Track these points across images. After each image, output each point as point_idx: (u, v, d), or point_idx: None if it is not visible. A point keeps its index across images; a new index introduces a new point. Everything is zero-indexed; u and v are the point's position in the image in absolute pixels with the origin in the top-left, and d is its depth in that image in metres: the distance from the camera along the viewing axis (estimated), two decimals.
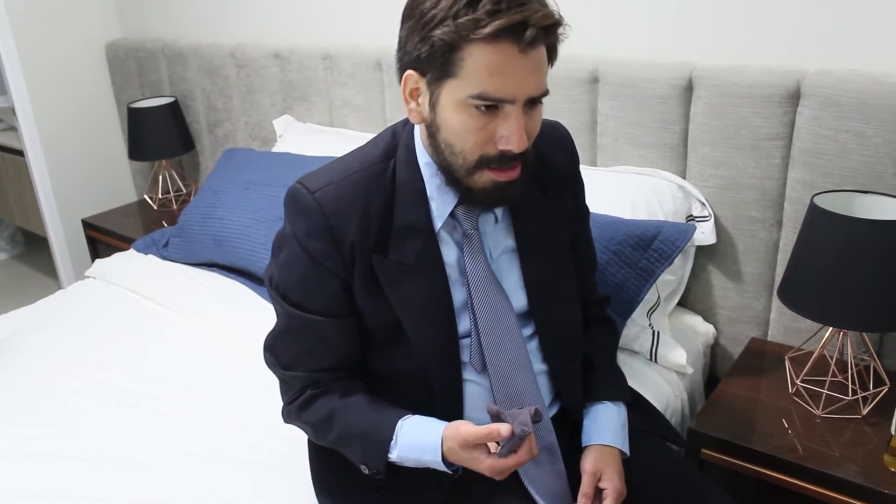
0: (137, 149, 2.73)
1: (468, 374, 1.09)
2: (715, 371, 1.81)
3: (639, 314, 1.59)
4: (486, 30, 0.88)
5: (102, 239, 2.74)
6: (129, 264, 2.15)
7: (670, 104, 1.65)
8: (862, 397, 1.41)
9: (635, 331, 1.59)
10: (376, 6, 2.18)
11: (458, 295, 1.07)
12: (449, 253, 1.07)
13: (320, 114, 2.40)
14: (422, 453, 1.01)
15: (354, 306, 1.07)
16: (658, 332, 1.60)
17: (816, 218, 1.31)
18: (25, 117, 2.79)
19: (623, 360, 1.54)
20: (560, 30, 0.94)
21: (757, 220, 1.62)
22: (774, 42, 1.55)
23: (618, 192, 1.68)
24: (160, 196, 2.84)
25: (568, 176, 1.18)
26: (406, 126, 1.08)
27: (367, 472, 1.06)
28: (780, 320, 1.65)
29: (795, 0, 1.50)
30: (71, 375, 1.62)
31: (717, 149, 1.62)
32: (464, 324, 1.08)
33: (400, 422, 1.04)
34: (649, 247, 1.52)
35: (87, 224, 2.80)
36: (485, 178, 0.98)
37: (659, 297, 1.64)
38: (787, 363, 1.51)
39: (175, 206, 2.79)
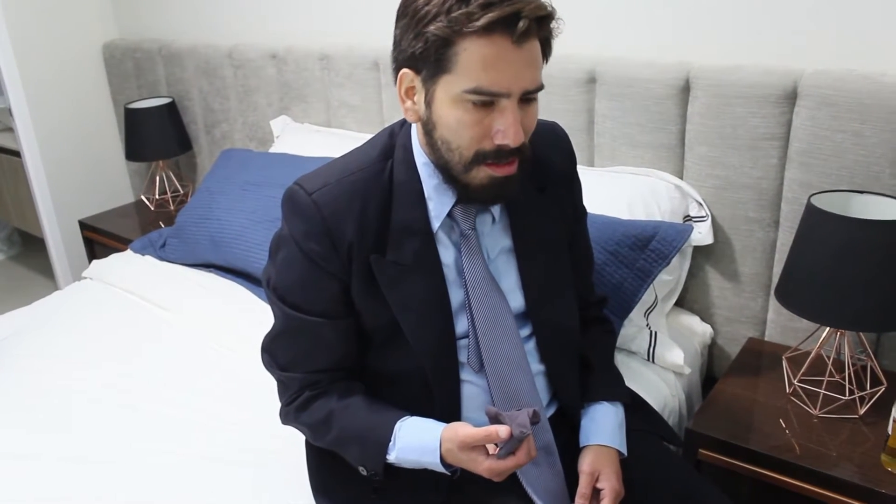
0: (134, 149, 2.72)
1: (466, 375, 1.09)
2: (712, 371, 1.81)
3: (636, 314, 1.59)
4: (480, 22, 0.88)
5: (99, 240, 2.73)
6: (126, 265, 2.15)
7: (667, 104, 1.65)
8: (859, 397, 1.41)
9: (633, 331, 1.60)
10: (373, 6, 2.18)
11: (455, 295, 1.08)
12: (446, 253, 1.07)
13: (317, 114, 2.39)
14: (420, 455, 1.02)
15: (352, 307, 1.07)
16: (655, 333, 1.60)
17: (813, 218, 1.32)
18: (22, 118, 2.78)
19: (620, 360, 1.55)
20: (553, 23, 0.94)
21: (754, 221, 1.62)
22: (771, 42, 1.55)
23: (615, 192, 1.68)
24: (157, 197, 2.83)
25: (565, 176, 1.18)
26: (403, 126, 1.08)
27: (365, 473, 1.06)
28: (777, 320, 1.65)
29: (793, 1, 1.51)
30: (67, 376, 1.61)
31: (714, 149, 1.62)
32: (461, 324, 1.08)
33: (398, 423, 1.04)
34: (646, 247, 1.52)
35: (83, 225, 2.79)
36: (482, 173, 0.98)
37: (656, 297, 1.64)
38: (784, 363, 1.51)
39: (172, 207, 2.78)
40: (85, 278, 2.16)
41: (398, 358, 1.08)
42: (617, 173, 1.75)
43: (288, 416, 1.14)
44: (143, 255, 2.19)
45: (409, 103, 1.00)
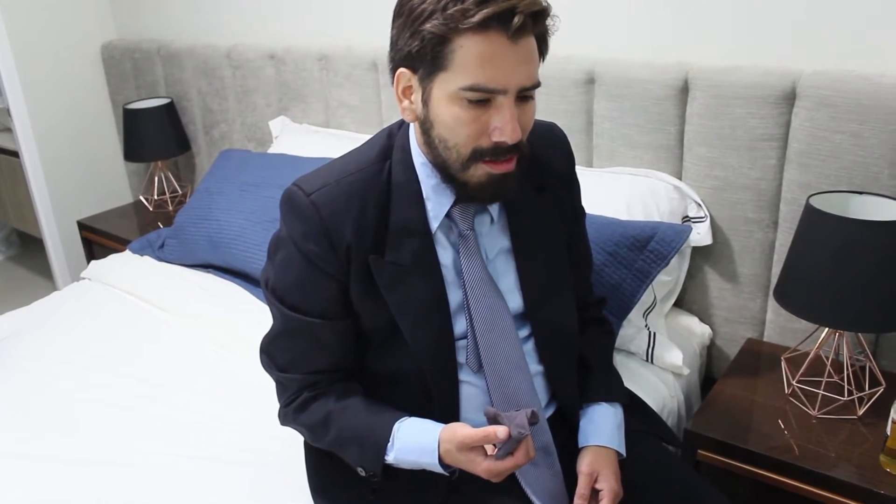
0: (133, 150, 2.72)
1: (465, 375, 1.09)
2: (711, 372, 1.81)
3: (635, 315, 1.59)
4: (475, 18, 0.88)
5: (98, 240, 2.73)
6: (124, 266, 2.14)
7: (666, 105, 1.65)
8: (858, 398, 1.41)
9: (631, 332, 1.59)
10: (372, 7, 2.18)
11: (454, 296, 1.08)
12: (445, 254, 1.07)
13: (316, 115, 2.39)
14: (419, 456, 1.02)
15: (351, 308, 1.07)
16: (654, 333, 1.60)
17: (812, 219, 1.32)
18: (20, 118, 2.78)
19: (619, 360, 1.55)
20: (549, 20, 0.95)
21: (753, 221, 1.62)
22: (770, 43, 1.56)
23: (614, 193, 1.68)
24: (156, 197, 2.83)
25: (564, 177, 1.18)
26: (402, 127, 1.08)
27: (363, 474, 1.06)
28: (776, 321, 1.65)
29: (791, 1, 1.51)
30: (66, 377, 1.61)
31: (712, 150, 1.62)
32: (460, 325, 1.08)
33: (397, 424, 1.04)
34: (645, 248, 1.52)
35: (82, 225, 2.79)
36: (480, 171, 0.98)
37: (655, 297, 1.64)
38: (783, 364, 1.51)
39: (171, 208, 2.78)
40: (83, 279, 2.16)
41: (397, 359, 1.08)
42: (616, 174, 1.75)
43: (286, 417, 1.14)
44: (141, 255, 2.19)
45: (406, 103, 1.00)
